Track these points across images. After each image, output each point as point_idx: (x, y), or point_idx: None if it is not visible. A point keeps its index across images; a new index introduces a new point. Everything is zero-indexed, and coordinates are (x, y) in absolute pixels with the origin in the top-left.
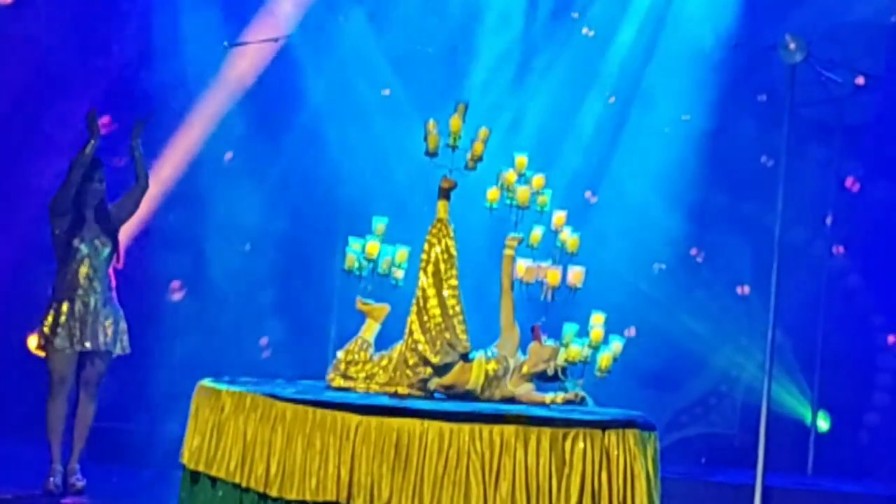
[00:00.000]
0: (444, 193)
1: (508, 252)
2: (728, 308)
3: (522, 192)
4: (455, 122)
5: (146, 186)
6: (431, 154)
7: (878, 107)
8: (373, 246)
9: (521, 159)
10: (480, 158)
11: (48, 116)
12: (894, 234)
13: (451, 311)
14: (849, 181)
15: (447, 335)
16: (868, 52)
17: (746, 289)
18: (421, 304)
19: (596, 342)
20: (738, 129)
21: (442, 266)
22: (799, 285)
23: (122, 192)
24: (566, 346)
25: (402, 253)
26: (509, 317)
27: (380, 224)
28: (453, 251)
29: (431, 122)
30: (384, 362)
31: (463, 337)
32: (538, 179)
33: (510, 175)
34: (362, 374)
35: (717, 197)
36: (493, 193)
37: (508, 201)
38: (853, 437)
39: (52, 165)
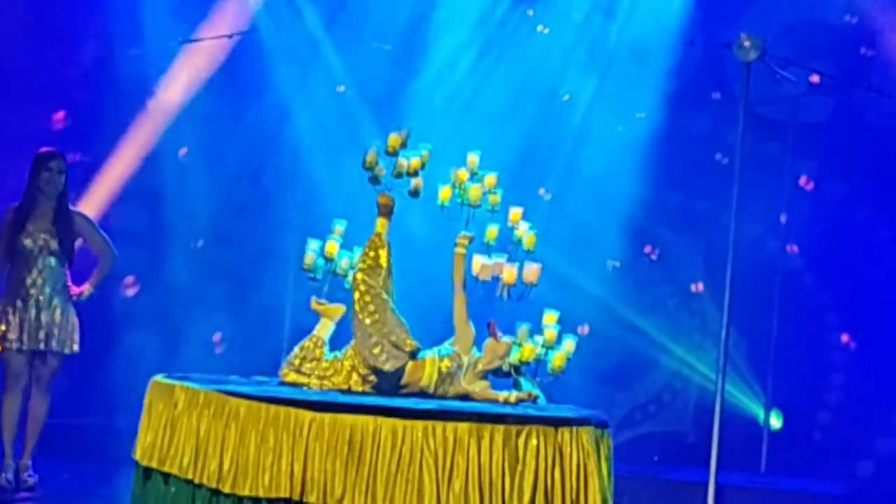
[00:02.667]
0: (383, 210)
1: (459, 250)
2: (682, 306)
3: (474, 191)
4: (393, 139)
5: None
6: (374, 179)
7: (831, 106)
8: (332, 246)
9: (473, 158)
10: (415, 173)
11: (2, 112)
12: (848, 233)
13: (388, 314)
14: (802, 180)
15: (392, 338)
16: (822, 51)
17: (700, 286)
18: (361, 313)
19: (549, 341)
20: (693, 127)
21: (373, 273)
22: (753, 283)
23: (75, 189)
24: (520, 345)
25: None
26: (462, 314)
27: (338, 226)
28: (383, 261)
29: (372, 152)
30: (337, 365)
31: (405, 336)
32: (490, 178)
33: (462, 173)
34: (317, 372)
35: (671, 194)
36: (445, 192)
37: (459, 200)
38: (806, 435)
39: (7, 161)
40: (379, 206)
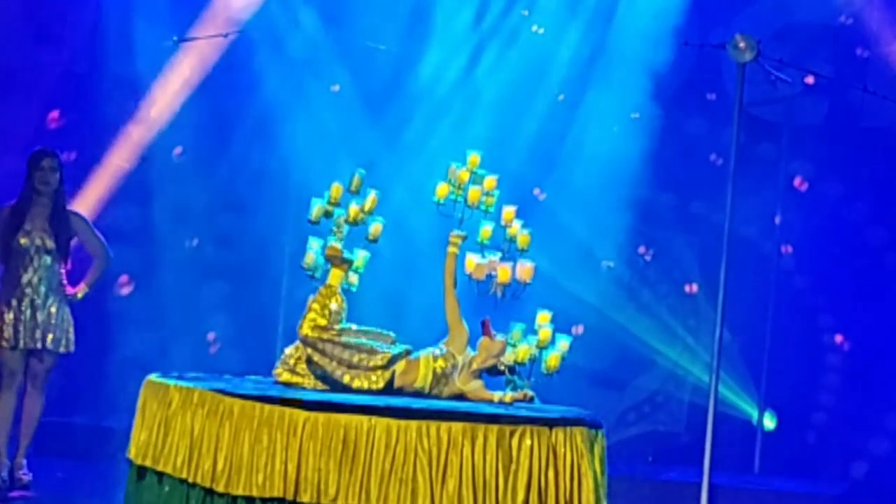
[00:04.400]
0: (333, 262)
1: (452, 249)
2: (676, 306)
3: (474, 192)
4: (335, 189)
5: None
6: (336, 229)
7: (826, 107)
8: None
9: (475, 157)
10: (355, 222)
11: None
12: (842, 234)
13: (348, 348)
14: (797, 181)
15: (368, 364)
16: (817, 53)
17: (695, 287)
18: (327, 366)
19: (544, 342)
20: (688, 128)
21: (316, 326)
22: (747, 284)
23: (69, 187)
24: (514, 345)
25: (360, 258)
26: (455, 313)
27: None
28: (321, 321)
29: (318, 206)
30: None
31: (374, 356)
32: (490, 181)
33: (463, 173)
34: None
35: (665, 195)
36: (443, 189)
37: (454, 197)
38: (800, 436)
39: (2, 160)
40: (328, 259)
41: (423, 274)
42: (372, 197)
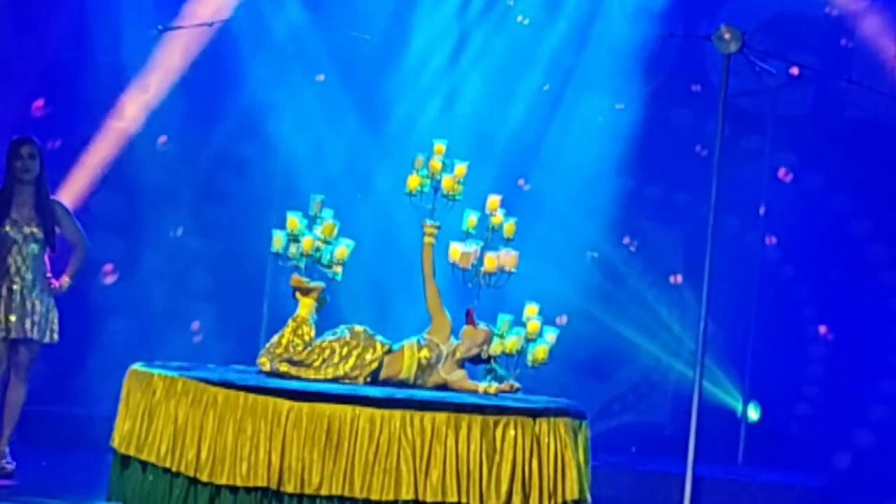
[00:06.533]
0: (300, 291)
1: (428, 240)
2: (660, 297)
3: (448, 181)
4: (292, 222)
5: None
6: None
7: (811, 98)
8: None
9: (440, 147)
10: (311, 254)
11: None
12: (826, 226)
13: (325, 375)
14: (782, 172)
15: (354, 374)
16: (802, 44)
17: (679, 278)
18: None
19: (532, 334)
20: (673, 119)
21: (289, 357)
22: (731, 275)
23: (54, 176)
24: (502, 336)
25: (342, 250)
26: (436, 303)
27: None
28: (286, 356)
29: (277, 237)
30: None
31: (351, 373)
32: (460, 168)
33: (435, 164)
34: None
35: (650, 186)
36: (413, 181)
37: (421, 189)
38: (783, 427)
39: None
40: (294, 289)
41: (407, 263)
42: (329, 224)
